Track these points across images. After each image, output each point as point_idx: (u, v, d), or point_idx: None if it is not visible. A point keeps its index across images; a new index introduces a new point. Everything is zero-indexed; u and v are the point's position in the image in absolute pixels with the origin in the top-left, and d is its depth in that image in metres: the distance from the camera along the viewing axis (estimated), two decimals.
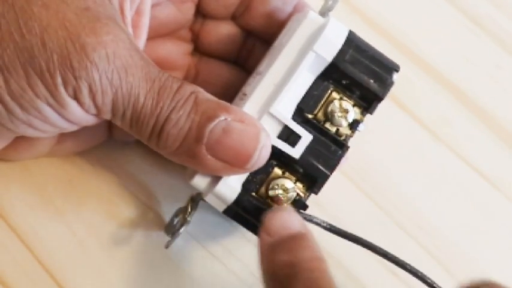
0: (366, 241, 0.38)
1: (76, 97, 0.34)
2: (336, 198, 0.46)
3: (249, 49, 0.45)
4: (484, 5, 0.53)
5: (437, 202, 0.47)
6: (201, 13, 0.44)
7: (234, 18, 0.44)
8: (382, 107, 0.47)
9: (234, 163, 0.36)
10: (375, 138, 0.48)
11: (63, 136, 0.41)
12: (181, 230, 0.40)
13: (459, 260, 0.46)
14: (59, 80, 0.34)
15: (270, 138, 0.37)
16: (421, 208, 0.47)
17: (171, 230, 0.41)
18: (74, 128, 0.37)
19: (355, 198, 0.47)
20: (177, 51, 0.44)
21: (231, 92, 0.43)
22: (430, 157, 0.49)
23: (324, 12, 0.40)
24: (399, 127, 0.49)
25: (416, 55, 0.51)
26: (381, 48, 0.40)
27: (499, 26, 0.53)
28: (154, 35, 0.43)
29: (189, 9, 0.43)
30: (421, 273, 0.38)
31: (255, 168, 0.37)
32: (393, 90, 0.48)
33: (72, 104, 0.35)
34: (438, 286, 0.39)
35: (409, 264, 0.38)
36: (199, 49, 0.45)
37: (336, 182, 0.46)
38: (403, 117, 0.49)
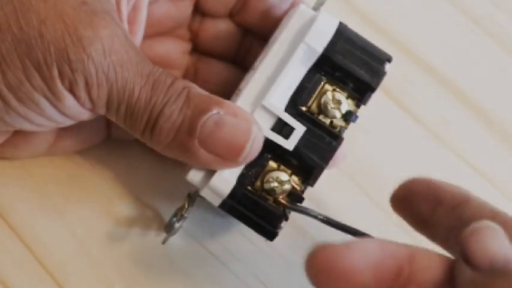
0: (363, 233, 0.38)
1: (72, 90, 0.35)
2: (335, 198, 0.46)
3: (247, 47, 0.45)
4: (484, 5, 0.53)
5: None
6: (199, 11, 0.44)
7: (231, 15, 0.44)
8: (382, 107, 0.48)
9: (226, 156, 0.37)
10: (374, 138, 0.48)
11: (62, 135, 0.42)
12: (178, 225, 0.40)
13: None
14: (56, 72, 0.34)
15: (262, 131, 0.37)
16: None
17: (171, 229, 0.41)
18: (69, 122, 0.38)
19: (355, 198, 0.47)
20: (176, 50, 0.45)
21: (229, 91, 0.43)
22: (430, 157, 0.48)
23: (316, 8, 0.40)
24: (399, 127, 0.49)
25: (416, 55, 0.51)
26: (380, 48, 0.40)
27: (499, 26, 0.53)
28: (153, 33, 0.43)
29: (187, 7, 0.43)
30: None
31: (247, 161, 0.37)
32: (393, 90, 0.49)
33: (68, 97, 0.35)
34: None
35: None
36: (198, 48, 0.45)
37: (335, 181, 0.46)
38: (403, 118, 0.49)
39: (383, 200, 0.46)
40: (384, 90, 0.39)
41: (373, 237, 0.38)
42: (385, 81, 0.39)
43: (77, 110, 0.36)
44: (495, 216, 0.32)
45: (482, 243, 0.28)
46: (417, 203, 0.35)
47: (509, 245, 0.29)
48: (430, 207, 0.34)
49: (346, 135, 0.39)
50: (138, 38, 0.40)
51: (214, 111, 0.36)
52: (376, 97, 0.40)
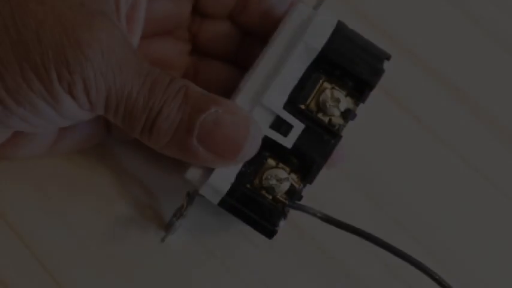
0: (362, 231, 0.38)
1: (70, 92, 0.35)
2: (335, 198, 0.46)
3: (247, 48, 0.45)
4: (484, 5, 0.53)
5: (437, 202, 0.47)
6: (199, 13, 0.44)
7: (231, 17, 0.44)
8: (381, 107, 0.48)
9: (225, 155, 0.37)
10: (374, 138, 0.48)
11: (62, 134, 0.42)
12: (178, 224, 0.40)
13: (458, 259, 0.46)
14: (54, 75, 0.34)
15: (260, 130, 0.37)
16: (421, 208, 0.47)
17: (170, 228, 0.41)
18: (68, 123, 0.38)
19: (354, 198, 0.47)
20: (176, 50, 0.45)
21: (229, 92, 0.43)
22: (430, 157, 0.48)
23: (316, 7, 0.40)
24: (399, 127, 0.49)
25: (416, 55, 0.51)
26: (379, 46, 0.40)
27: (499, 26, 0.53)
28: (152, 33, 0.43)
29: (186, 5, 0.43)
30: (420, 262, 0.38)
31: (246, 159, 0.37)
32: (393, 90, 0.49)
33: (66, 99, 0.35)
34: (440, 278, 0.38)
35: (406, 253, 0.38)
36: (197, 49, 0.46)
37: (335, 181, 0.46)
38: (402, 117, 0.49)
39: (382, 200, 0.46)
40: (383, 90, 0.39)
41: (371, 235, 0.38)
42: (385, 82, 0.40)
43: (75, 112, 0.36)
44: None
45: None
46: None
47: None
48: None
49: (345, 135, 0.39)
50: (136, 36, 0.40)
51: (213, 109, 0.36)
52: (375, 97, 0.40)
